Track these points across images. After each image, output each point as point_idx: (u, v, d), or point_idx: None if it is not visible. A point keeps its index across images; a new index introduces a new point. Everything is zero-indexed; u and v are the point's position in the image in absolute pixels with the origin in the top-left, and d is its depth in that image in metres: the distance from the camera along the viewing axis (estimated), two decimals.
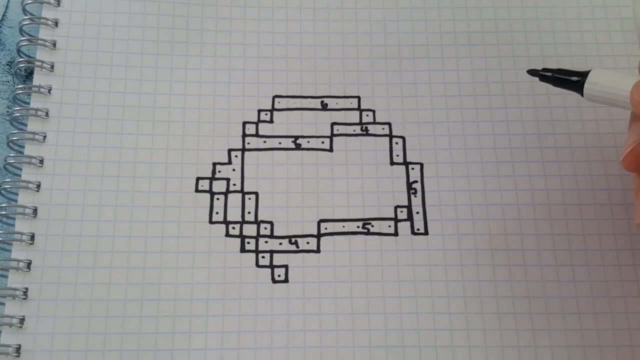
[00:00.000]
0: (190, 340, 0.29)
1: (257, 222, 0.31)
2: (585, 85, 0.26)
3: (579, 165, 0.32)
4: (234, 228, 0.31)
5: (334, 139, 0.33)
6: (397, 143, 0.33)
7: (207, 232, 0.31)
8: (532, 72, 0.29)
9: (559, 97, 0.34)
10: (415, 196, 0.32)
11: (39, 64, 0.33)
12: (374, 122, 0.33)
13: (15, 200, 0.31)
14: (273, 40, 0.35)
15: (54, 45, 0.34)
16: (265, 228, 0.31)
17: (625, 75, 0.26)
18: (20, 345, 0.28)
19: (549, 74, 0.28)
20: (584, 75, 0.27)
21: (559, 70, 0.28)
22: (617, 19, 0.35)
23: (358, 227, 0.31)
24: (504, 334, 0.29)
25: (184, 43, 0.34)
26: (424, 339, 0.29)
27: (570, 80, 0.27)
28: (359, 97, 0.34)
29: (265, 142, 0.33)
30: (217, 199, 0.31)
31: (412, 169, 0.32)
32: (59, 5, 0.34)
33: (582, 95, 0.27)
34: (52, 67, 0.33)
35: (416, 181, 0.32)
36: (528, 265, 0.30)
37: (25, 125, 0.32)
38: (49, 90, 0.33)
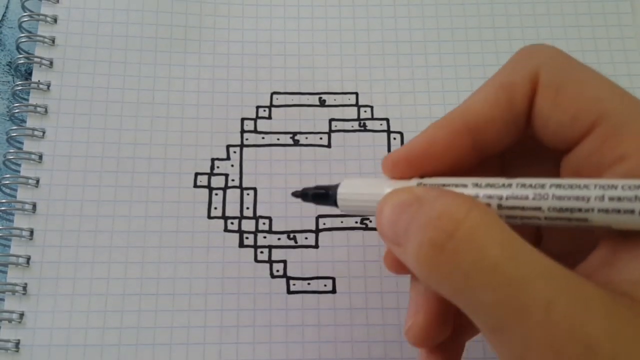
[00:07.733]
0: (188, 334, 0.29)
1: (256, 218, 0.31)
2: (339, 198, 0.22)
3: None
4: (232, 223, 0.31)
5: (332, 134, 0.33)
6: (394, 138, 0.33)
7: (205, 227, 0.31)
8: (295, 194, 0.25)
9: None
10: None
11: (38, 60, 0.33)
12: (372, 118, 0.33)
13: (15, 196, 0.31)
14: (271, 38, 0.35)
15: (53, 41, 0.34)
16: (264, 223, 0.31)
17: (378, 181, 0.21)
18: (19, 340, 0.28)
19: (308, 192, 0.24)
20: (334, 187, 0.23)
21: (317, 187, 0.24)
22: (615, 14, 0.35)
23: (356, 222, 0.31)
24: None
25: (182, 40, 0.34)
26: None
27: (325, 194, 0.23)
28: (356, 93, 0.34)
29: (263, 138, 0.33)
30: (216, 194, 0.32)
31: None
32: (57, 2, 0.34)
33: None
34: (51, 63, 0.33)
35: None
36: None
37: (25, 121, 0.32)
38: (48, 87, 0.33)
